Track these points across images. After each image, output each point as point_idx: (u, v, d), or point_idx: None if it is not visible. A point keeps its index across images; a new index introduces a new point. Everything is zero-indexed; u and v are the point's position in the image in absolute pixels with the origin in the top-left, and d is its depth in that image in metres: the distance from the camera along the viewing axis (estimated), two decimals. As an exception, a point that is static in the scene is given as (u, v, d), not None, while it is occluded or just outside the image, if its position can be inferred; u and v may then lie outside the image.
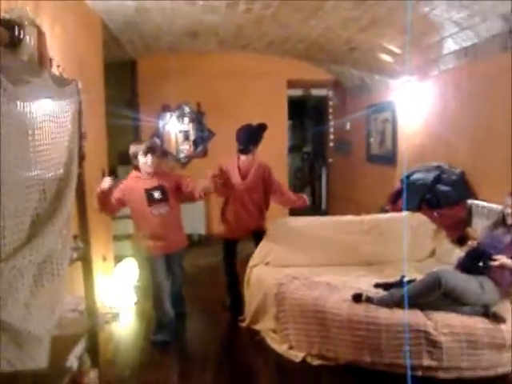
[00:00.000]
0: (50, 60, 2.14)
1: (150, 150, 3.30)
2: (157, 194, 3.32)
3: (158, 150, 3.49)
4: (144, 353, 3.30)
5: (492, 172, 3.79)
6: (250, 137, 4.25)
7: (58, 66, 2.25)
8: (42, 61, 1.97)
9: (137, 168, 3.41)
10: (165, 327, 3.46)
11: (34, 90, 1.62)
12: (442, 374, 2.82)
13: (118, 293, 4.15)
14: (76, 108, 2.17)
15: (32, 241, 1.40)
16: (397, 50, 4.62)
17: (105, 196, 3.20)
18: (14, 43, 1.67)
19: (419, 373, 2.80)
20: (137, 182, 3.37)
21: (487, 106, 3.81)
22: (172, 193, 3.41)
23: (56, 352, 1.26)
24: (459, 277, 2.98)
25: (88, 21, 4.01)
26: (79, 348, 1.39)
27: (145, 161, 3.28)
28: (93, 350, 2.42)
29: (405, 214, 4.16)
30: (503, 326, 2.78)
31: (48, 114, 1.81)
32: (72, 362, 1.39)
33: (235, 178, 4.03)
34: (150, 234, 3.38)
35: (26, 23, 1.73)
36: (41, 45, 1.96)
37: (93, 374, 2.26)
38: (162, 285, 3.43)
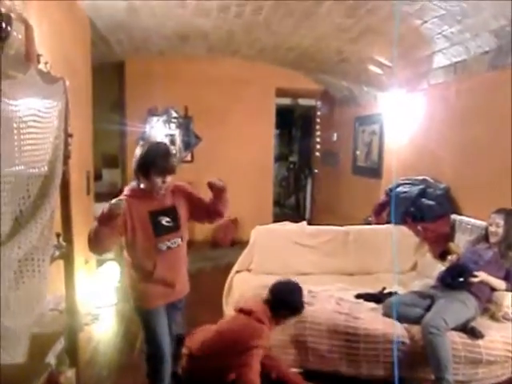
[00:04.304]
0: (38, 56, 2.12)
1: (171, 169, 2.26)
2: (166, 220, 2.32)
3: (175, 168, 2.34)
4: (123, 355, 3.27)
5: (477, 188, 3.84)
6: None
7: (46, 63, 2.23)
8: (29, 56, 1.95)
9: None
10: None
11: (21, 85, 1.61)
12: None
13: (98, 294, 4.11)
14: (63, 106, 2.16)
15: (14, 237, 1.39)
16: (386, 62, 4.68)
17: (112, 224, 2.11)
18: (1, 37, 1.65)
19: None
20: (138, 200, 2.29)
21: (474, 123, 3.87)
22: (184, 215, 2.42)
23: (35, 349, 1.25)
24: (442, 309, 2.87)
25: (76, 20, 3.98)
26: (58, 347, 1.38)
27: (159, 183, 2.24)
28: (72, 349, 2.40)
29: (392, 226, 4.18)
30: (481, 342, 2.80)
31: (34, 111, 1.79)
32: (50, 360, 1.37)
33: None
34: (152, 278, 2.34)
35: (14, 17, 1.72)
36: (28, 40, 1.94)
37: (70, 374, 2.24)
38: (164, 346, 2.41)
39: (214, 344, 2.70)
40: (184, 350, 2.80)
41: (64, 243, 2.29)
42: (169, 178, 2.26)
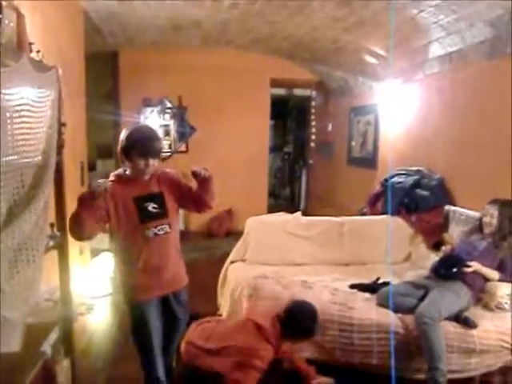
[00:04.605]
0: (30, 45, 2.10)
1: (154, 152, 2.22)
2: (152, 206, 2.24)
3: (162, 150, 2.32)
4: (117, 345, 3.28)
5: (471, 179, 3.85)
6: None
7: (38, 52, 2.21)
8: (20, 45, 1.93)
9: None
10: None
11: (13, 73, 1.59)
12: (409, 375, 2.85)
13: (93, 285, 4.11)
14: (56, 95, 2.14)
15: (8, 226, 1.38)
16: (382, 53, 4.67)
17: (92, 205, 2.05)
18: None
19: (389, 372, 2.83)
20: (122, 185, 2.24)
21: (470, 113, 3.87)
22: (172, 203, 2.33)
23: (30, 339, 1.25)
24: (435, 299, 2.88)
25: (69, 10, 3.94)
26: (53, 336, 1.38)
27: (143, 165, 2.19)
28: (66, 339, 2.40)
29: (388, 216, 4.20)
30: (474, 331, 2.81)
31: (27, 100, 1.77)
32: (46, 349, 1.37)
33: None
34: (140, 267, 2.25)
35: (4, 5, 1.70)
36: (20, 28, 1.92)
37: (65, 363, 2.24)
38: (152, 341, 2.33)
39: (218, 343, 2.65)
40: (185, 343, 2.76)
41: (58, 233, 2.28)
42: (152, 162, 2.20)
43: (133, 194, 2.22)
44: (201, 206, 2.39)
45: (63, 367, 2.31)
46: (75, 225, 2.08)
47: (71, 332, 2.52)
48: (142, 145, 2.17)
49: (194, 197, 2.36)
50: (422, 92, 4.59)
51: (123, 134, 2.22)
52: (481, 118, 3.74)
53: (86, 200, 2.03)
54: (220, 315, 3.65)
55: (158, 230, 2.25)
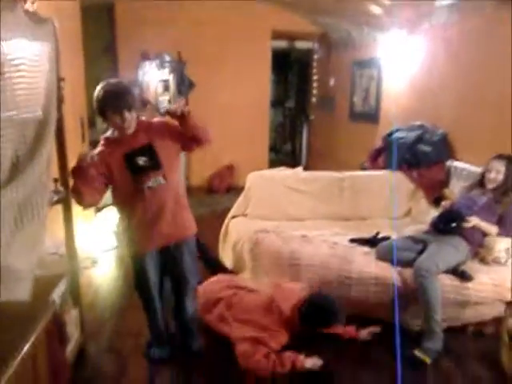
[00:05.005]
0: (24, -6, 2.04)
1: (125, 105, 2.14)
2: (142, 160, 2.22)
3: (135, 101, 2.23)
4: (123, 297, 3.37)
5: (475, 134, 3.81)
6: None
7: (33, 3, 2.14)
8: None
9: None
10: (161, 343, 2.68)
11: (7, 25, 1.56)
12: (405, 324, 2.89)
13: (97, 239, 4.18)
14: (53, 48, 2.10)
15: (13, 181, 1.40)
16: (387, 1, 4.52)
17: (84, 176, 2.10)
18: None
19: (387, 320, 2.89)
20: (112, 145, 2.24)
21: (476, 66, 3.78)
22: (166, 152, 2.28)
23: (39, 290, 1.29)
24: (433, 253, 2.93)
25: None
26: (61, 288, 1.43)
27: (119, 121, 2.15)
28: (74, 291, 2.47)
29: (391, 172, 4.19)
30: (470, 284, 2.87)
31: (24, 53, 1.75)
32: (55, 299, 1.43)
33: None
34: (137, 221, 2.32)
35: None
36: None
37: (74, 313, 2.32)
38: (152, 292, 2.48)
39: (240, 314, 2.75)
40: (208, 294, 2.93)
41: (62, 188, 2.31)
42: (128, 116, 2.14)
43: (123, 152, 2.21)
44: (197, 142, 2.32)
45: (72, 317, 2.39)
46: (76, 196, 2.15)
47: (78, 284, 2.60)
48: (111, 101, 2.12)
49: (187, 135, 2.30)
50: (428, 43, 4.46)
51: (95, 93, 2.17)
52: (487, 71, 3.66)
53: (77, 173, 2.08)
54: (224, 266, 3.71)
55: (152, 183, 2.24)
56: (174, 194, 2.35)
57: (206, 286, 3.07)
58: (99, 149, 2.25)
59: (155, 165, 2.24)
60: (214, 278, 3.24)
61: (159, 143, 2.26)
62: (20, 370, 0.96)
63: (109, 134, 2.29)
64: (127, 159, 2.21)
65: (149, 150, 2.23)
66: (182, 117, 2.20)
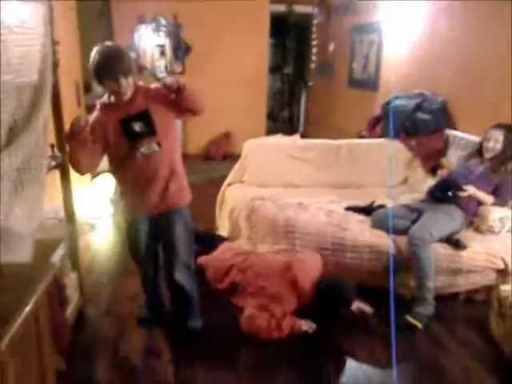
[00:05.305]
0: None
1: (121, 70, 2.10)
2: (138, 126, 2.20)
3: (132, 67, 2.18)
4: (121, 262, 3.41)
5: (475, 104, 3.78)
6: None
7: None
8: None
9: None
10: (150, 307, 2.77)
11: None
12: (397, 291, 2.96)
13: (94, 205, 4.20)
14: (47, 10, 2.05)
15: (10, 146, 1.40)
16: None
17: (79, 140, 2.07)
18: None
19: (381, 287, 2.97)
20: (109, 111, 2.22)
21: (479, 33, 3.72)
22: (162, 119, 2.25)
23: (39, 254, 1.32)
24: (428, 221, 2.95)
25: None
26: (60, 251, 1.45)
27: (115, 87, 2.12)
28: (73, 255, 2.51)
29: (388, 140, 4.18)
30: (463, 253, 2.91)
31: (17, 15, 1.71)
32: (54, 263, 1.45)
33: None
34: (130, 187, 2.34)
35: None
36: None
37: (73, 277, 2.36)
38: (142, 256, 2.54)
39: (254, 280, 2.82)
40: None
41: (59, 154, 2.31)
42: (124, 81, 2.10)
43: (119, 117, 2.18)
44: (192, 112, 2.30)
45: (71, 280, 2.44)
46: (72, 162, 2.14)
47: (77, 249, 2.63)
48: (107, 66, 2.08)
49: (182, 106, 2.27)
50: (430, 8, 4.37)
51: (91, 59, 2.12)
52: (490, 39, 3.60)
53: (71, 138, 2.04)
54: (221, 236, 3.74)
55: (145, 150, 2.21)
56: (169, 162, 2.31)
57: (215, 256, 3.11)
58: (95, 114, 2.23)
59: (150, 131, 2.21)
60: (223, 246, 3.28)
61: (155, 110, 2.22)
62: (24, 329, 0.99)
63: (105, 98, 2.25)
64: (123, 124, 2.18)
65: (145, 116, 2.20)
66: (178, 91, 2.17)
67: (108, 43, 2.20)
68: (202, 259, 3.11)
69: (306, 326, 2.61)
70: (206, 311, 2.70)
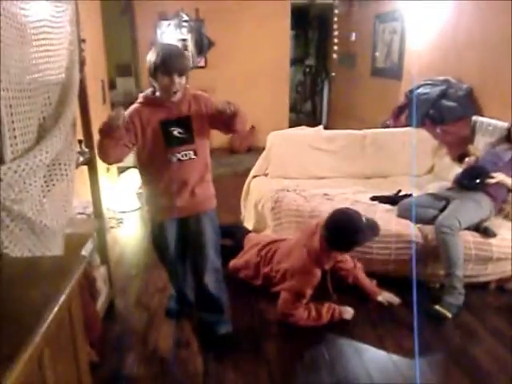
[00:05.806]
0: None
1: (178, 69, 2.07)
2: (178, 131, 2.16)
3: (187, 68, 2.16)
4: (148, 255, 3.46)
5: (501, 89, 3.69)
6: None
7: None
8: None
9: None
10: (178, 301, 2.76)
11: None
12: (426, 280, 2.96)
13: (121, 200, 4.28)
14: (73, 10, 2.10)
15: (41, 142, 1.44)
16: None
17: (113, 136, 2.02)
18: None
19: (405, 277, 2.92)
20: (150, 108, 2.18)
21: (506, 18, 3.60)
22: (201, 128, 2.22)
23: (69, 247, 1.36)
24: (456, 209, 2.90)
25: None
26: (89, 245, 1.49)
27: (167, 83, 2.08)
28: (102, 249, 2.57)
29: (411, 128, 4.13)
30: (492, 240, 2.85)
31: (45, 15, 1.75)
32: (85, 256, 1.50)
33: None
34: (160, 190, 2.28)
35: None
36: None
37: (102, 270, 2.41)
38: (169, 257, 2.50)
39: (277, 265, 2.83)
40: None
41: (87, 150, 2.36)
42: (177, 80, 2.07)
43: (160, 118, 2.15)
44: (231, 131, 2.26)
45: (101, 273, 2.49)
46: (101, 152, 2.09)
47: (105, 242, 2.69)
48: (165, 61, 2.05)
49: (225, 122, 2.19)
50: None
51: (149, 54, 2.13)
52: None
53: (105, 131, 2.00)
54: (245, 228, 3.73)
55: (182, 156, 2.19)
56: (200, 170, 2.29)
57: (242, 258, 3.11)
58: (135, 106, 2.19)
59: (189, 138, 2.18)
60: (246, 242, 3.23)
61: (197, 118, 2.19)
62: (58, 320, 1.02)
63: (148, 93, 2.22)
64: (163, 126, 2.15)
65: (186, 123, 2.17)
66: (232, 115, 2.10)
67: (169, 43, 2.20)
68: (231, 265, 3.11)
69: (347, 313, 2.63)
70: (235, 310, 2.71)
